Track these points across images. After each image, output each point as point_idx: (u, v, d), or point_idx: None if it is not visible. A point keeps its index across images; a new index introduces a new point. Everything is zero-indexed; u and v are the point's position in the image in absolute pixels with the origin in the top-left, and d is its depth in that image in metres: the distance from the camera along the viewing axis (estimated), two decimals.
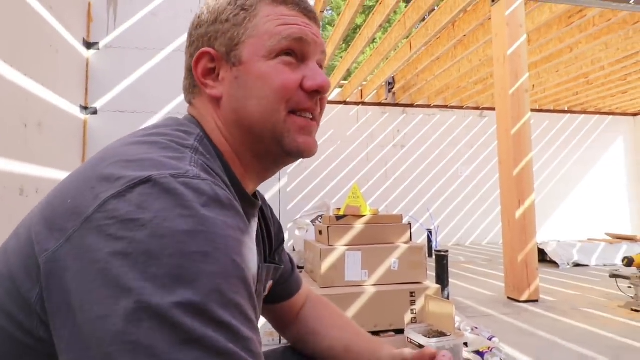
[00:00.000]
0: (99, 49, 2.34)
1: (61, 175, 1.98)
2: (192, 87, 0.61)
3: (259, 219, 0.69)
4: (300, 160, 0.63)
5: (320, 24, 0.59)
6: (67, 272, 0.39)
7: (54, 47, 1.93)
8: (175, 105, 2.44)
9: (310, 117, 0.59)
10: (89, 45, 2.33)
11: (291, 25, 0.56)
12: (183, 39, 2.61)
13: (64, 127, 2.05)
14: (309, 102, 0.57)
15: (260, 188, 0.68)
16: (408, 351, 0.72)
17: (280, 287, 0.78)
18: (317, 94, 0.58)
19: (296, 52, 0.57)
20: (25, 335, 0.43)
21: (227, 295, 0.38)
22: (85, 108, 2.28)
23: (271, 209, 0.79)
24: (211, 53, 0.57)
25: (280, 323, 0.82)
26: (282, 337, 0.86)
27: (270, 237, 0.75)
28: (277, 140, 0.56)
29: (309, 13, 0.59)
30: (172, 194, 0.40)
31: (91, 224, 0.39)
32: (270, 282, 0.73)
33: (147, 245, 0.37)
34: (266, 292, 0.72)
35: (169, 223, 0.38)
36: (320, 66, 0.61)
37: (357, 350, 0.75)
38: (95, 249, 0.38)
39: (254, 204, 0.63)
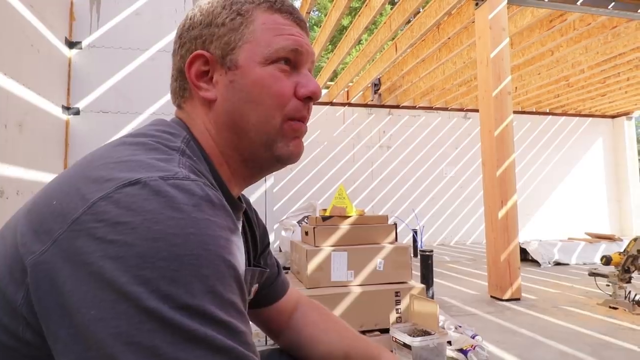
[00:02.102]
0: (81, 49, 2.31)
1: (42, 176, 1.94)
2: (182, 90, 0.60)
3: (243, 223, 0.69)
4: None
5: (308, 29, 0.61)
6: (59, 274, 0.38)
7: (35, 46, 1.90)
8: (160, 105, 2.42)
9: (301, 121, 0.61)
10: (71, 44, 2.29)
11: (287, 35, 0.58)
12: (168, 39, 2.59)
13: (46, 127, 2.02)
14: (302, 110, 0.59)
15: (247, 189, 0.69)
16: None
17: (266, 291, 0.78)
18: (310, 100, 0.59)
19: (291, 60, 0.58)
20: (10, 337, 0.42)
21: (222, 295, 0.40)
22: (67, 108, 2.24)
23: (256, 213, 0.79)
24: (206, 56, 0.57)
25: (270, 328, 0.81)
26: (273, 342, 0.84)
27: (255, 241, 0.75)
28: (268, 145, 0.58)
29: (300, 22, 0.61)
30: (162, 195, 0.40)
31: (79, 226, 0.39)
32: (255, 286, 0.73)
33: (139, 248, 0.37)
34: (251, 296, 0.72)
35: (160, 226, 0.38)
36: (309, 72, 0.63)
37: (355, 356, 0.75)
38: (86, 252, 0.38)
39: (238, 207, 0.63)
